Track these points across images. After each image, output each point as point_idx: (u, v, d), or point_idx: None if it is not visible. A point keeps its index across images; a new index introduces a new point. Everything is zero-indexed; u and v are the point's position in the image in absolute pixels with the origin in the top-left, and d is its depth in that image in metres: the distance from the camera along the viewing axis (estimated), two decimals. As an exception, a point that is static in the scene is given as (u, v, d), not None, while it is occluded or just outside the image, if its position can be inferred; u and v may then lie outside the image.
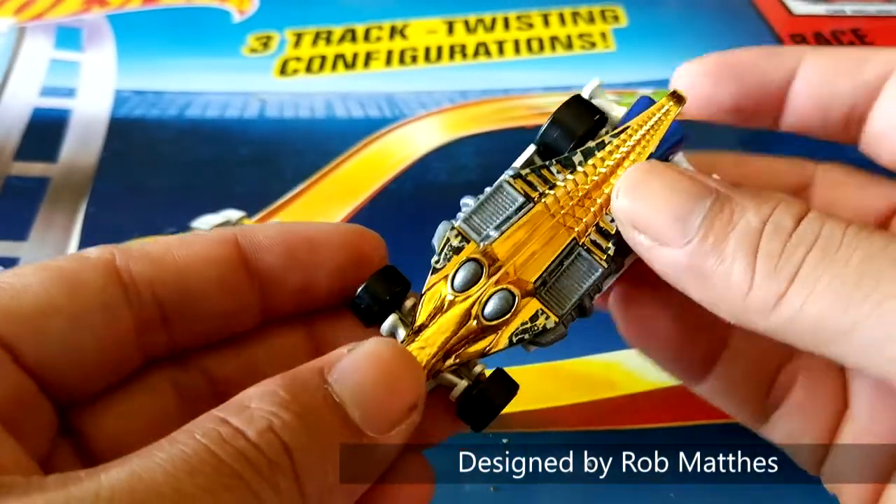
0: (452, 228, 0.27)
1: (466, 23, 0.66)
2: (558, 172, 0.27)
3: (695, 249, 0.23)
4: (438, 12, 0.67)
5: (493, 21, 0.66)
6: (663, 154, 0.27)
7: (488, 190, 0.27)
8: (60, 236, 0.48)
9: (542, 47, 0.63)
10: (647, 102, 0.27)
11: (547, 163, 0.27)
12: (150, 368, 0.26)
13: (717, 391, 0.32)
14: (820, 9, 0.66)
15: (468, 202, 0.27)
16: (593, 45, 0.63)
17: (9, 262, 0.46)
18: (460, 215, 0.27)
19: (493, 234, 0.27)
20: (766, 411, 0.31)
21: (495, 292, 0.26)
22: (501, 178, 0.27)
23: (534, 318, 0.26)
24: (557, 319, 0.26)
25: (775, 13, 0.65)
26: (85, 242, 0.48)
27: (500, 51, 0.63)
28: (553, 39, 0.64)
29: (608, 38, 0.63)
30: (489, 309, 0.26)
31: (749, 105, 0.30)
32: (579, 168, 0.27)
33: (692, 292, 0.24)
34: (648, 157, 0.26)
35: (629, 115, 0.27)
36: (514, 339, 0.26)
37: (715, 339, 0.31)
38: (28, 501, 0.17)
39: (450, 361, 0.25)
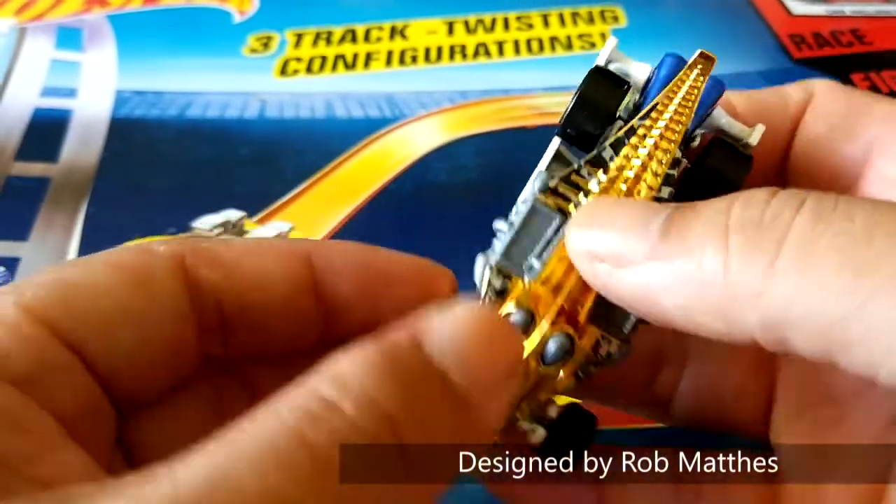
0: (491, 268, 0.24)
1: (466, 23, 0.66)
2: (589, 175, 0.24)
3: (657, 252, 0.21)
4: (438, 13, 0.67)
5: (493, 21, 0.66)
6: (701, 118, 0.24)
7: (521, 210, 0.24)
8: (61, 236, 0.48)
9: (541, 48, 0.63)
10: (673, 64, 0.25)
11: (576, 166, 0.24)
12: (197, 376, 0.25)
13: (685, 417, 0.30)
14: (819, 9, 0.66)
15: (501, 227, 0.24)
16: (593, 45, 0.63)
17: (9, 263, 0.46)
18: (497, 247, 0.24)
19: (536, 265, 0.24)
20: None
21: (551, 336, 0.23)
22: (530, 192, 0.24)
23: (596, 346, 0.24)
24: (620, 342, 0.24)
25: (774, 13, 0.65)
26: (85, 242, 0.48)
27: (500, 51, 0.63)
28: (553, 40, 0.64)
29: (608, 39, 0.63)
30: (549, 356, 0.23)
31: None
32: (612, 164, 0.24)
33: (667, 308, 0.21)
34: (686, 133, 0.24)
35: (657, 79, 0.25)
36: (581, 374, 0.24)
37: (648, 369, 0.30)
38: None
39: (522, 410, 0.24)
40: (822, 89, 0.29)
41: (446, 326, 0.20)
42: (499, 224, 0.25)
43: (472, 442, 0.20)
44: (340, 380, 0.18)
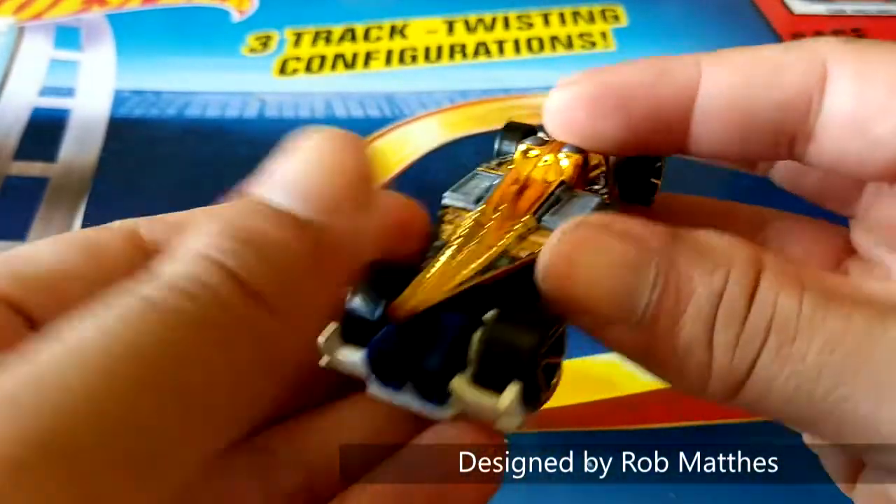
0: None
1: (466, 22, 0.66)
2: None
3: (645, 332, 0.21)
4: (438, 12, 0.67)
5: (494, 20, 0.66)
6: None
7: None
8: (60, 236, 0.48)
9: (542, 47, 0.63)
10: None
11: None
12: None
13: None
14: (821, 8, 0.66)
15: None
16: (593, 44, 0.63)
17: (8, 262, 0.46)
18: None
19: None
20: None
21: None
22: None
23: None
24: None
25: (776, 12, 0.65)
26: (84, 242, 0.47)
27: (501, 50, 0.63)
28: (553, 39, 0.64)
29: (608, 38, 0.63)
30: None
31: (642, 136, 0.25)
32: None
33: (649, 370, 0.22)
34: None
35: None
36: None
37: None
38: None
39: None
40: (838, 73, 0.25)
41: (281, 167, 0.19)
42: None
43: (329, 258, 0.18)
44: (173, 254, 0.17)
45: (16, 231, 0.48)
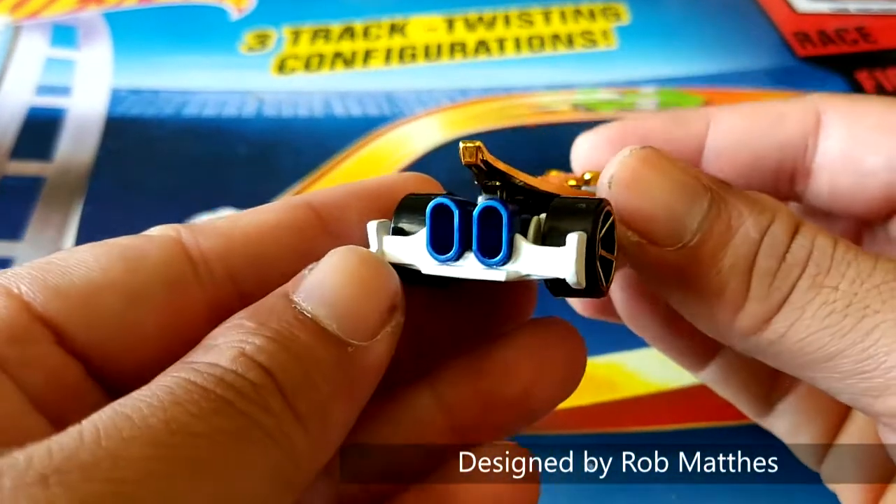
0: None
1: (467, 20, 0.65)
2: None
3: (690, 255, 0.22)
4: (438, 9, 0.66)
5: (494, 18, 0.65)
6: None
7: None
8: (56, 236, 0.48)
9: (543, 45, 0.63)
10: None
11: None
12: None
13: (719, 378, 0.31)
14: (824, 6, 0.65)
15: None
16: (595, 42, 0.62)
17: (4, 263, 0.46)
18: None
19: None
20: (771, 401, 0.31)
21: None
22: None
23: None
24: None
25: (779, 10, 0.65)
26: (81, 242, 0.47)
27: (501, 48, 0.62)
28: (554, 37, 0.63)
29: (610, 36, 0.63)
30: None
31: None
32: None
33: (675, 297, 0.24)
34: None
35: None
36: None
37: None
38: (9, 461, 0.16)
39: None
40: (831, 121, 0.29)
41: (314, 277, 0.20)
42: None
43: (359, 380, 0.20)
44: (215, 349, 0.19)
45: (12, 231, 0.48)
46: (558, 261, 0.21)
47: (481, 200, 0.22)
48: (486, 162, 0.21)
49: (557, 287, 0.22)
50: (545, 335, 0.25)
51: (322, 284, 0.20)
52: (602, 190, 0.23)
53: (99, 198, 0.50)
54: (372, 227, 0.23)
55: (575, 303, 0.33)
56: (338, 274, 0.20)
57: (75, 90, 0.58)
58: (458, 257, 0.22)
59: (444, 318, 0.26)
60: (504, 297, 0.26)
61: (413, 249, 0.22)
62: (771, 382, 0.31)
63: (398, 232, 0.23)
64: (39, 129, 0.55)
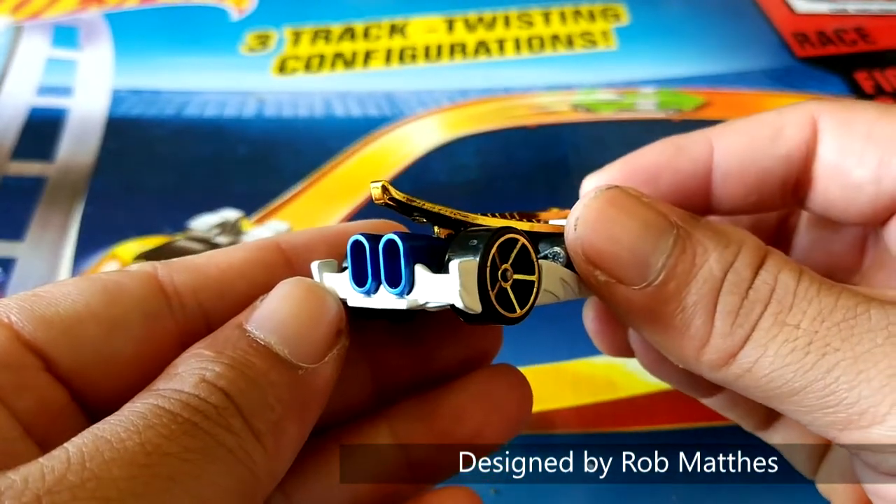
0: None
1: (467, 21, 0.65)
2: None
3: (655, 293, 0.23)
4: (438, 10, 0.66)
5: (494, 19, 0.66)
6: None
7: None
8: (57, 236, 0.48)
9: (542, 45, 0.63)
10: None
11: None
12: None
13: (724, 405, 0.32)
14: (823, 7, 0.65)
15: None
16: (594, 43, 0.63)
17: (5, 263, 0.46)
18: None
19: None
20: (769, 420, 0.32)
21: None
22: None
23: None
24: None
25: (778, 11, 0.65)
26: (82, 242, 0.47)
27: (501, 49, 0.63)
28: (554, 38, 0.63)
29: (610, 37, 0.63)
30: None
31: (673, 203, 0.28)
32: None
33: (644, 333, 0.24)
34: None
35: None
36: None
37: None
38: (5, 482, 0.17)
39: None
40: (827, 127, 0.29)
41: (264, 307, 0.22)
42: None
43: (310, 401, 0.22)
44: (177, 377, 0.20)
45: (13, 231, 0.48)
46: (446, 288, 0.21)
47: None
48: (394, 199, 0.22)
49: (465, 315, 0.22)
50: (496, 382, 0.27)
51: (272, 313, 0.22)
52: (569, 232, 0.24)
53: (100, 198, 0.50)
54: (314, 265, 0.24)
55: (598, 343, 0.33)
56: (286, 303, 0.22)
57: (76, 91, 0.59)
58: (375, 289, 0.23)
59: (405, 356, 0.27)
60: (469, 338, 0.28)
61: (344, 284, 0.24)
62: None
63: (344, 269, 0.24)
64: (41, 130, 0.55)
